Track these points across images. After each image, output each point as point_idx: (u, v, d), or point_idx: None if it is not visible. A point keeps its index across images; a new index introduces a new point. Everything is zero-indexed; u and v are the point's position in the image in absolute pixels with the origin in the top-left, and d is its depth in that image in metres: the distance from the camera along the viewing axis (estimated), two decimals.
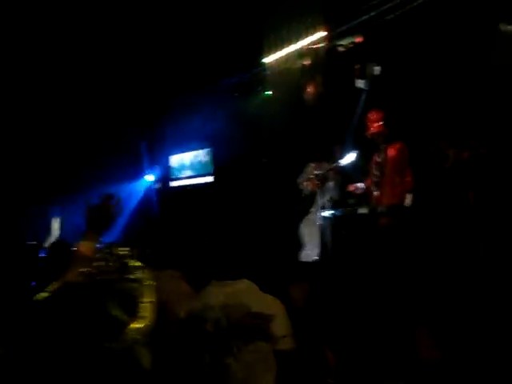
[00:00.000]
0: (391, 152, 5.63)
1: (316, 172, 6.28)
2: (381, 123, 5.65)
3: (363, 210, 5.50)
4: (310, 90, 7.12)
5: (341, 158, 5.96)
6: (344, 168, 5.98)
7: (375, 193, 5.73)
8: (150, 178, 10.10)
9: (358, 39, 6.59)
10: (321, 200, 6.24)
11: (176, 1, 6.98)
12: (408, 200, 5.44)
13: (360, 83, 6.10)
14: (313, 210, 6.34)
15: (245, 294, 2.40)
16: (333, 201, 6.17)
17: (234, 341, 2.15)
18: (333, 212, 5.76)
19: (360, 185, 5.91)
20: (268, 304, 2.46)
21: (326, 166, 6.25)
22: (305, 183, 6.41)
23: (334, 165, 6.05)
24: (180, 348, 2.20)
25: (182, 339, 2.23)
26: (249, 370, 2.05)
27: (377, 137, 5.70)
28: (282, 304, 2.55)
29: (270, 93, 7.96)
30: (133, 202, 9.56)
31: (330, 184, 6.34)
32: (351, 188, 5.96)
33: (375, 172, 5.77)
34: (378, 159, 5.75)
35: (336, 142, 6.29)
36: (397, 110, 5.66)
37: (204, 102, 8.32)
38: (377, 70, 6.06)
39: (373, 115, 5.70)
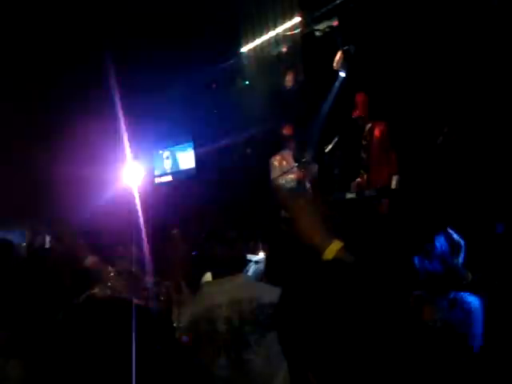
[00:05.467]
0: (376, 133, 5.57)
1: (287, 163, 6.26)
2: (366, 105, 5.60)
3: (351, 195, 5.43)
4: (289, 77, 7.02)
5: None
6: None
7: (363, 176, 5.68)
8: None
9: (335, 23, 6.52)
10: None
11: None
12: (394, 182, 5.39)
13: (340, 66, 6.02)
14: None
15: (247, 286, 2.30)
16: None
17: (250, 335, 2.08)
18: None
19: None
20: (273, 292, 2.37)
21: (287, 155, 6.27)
22: (287, 177, 6.25)
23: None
24: (190, 355, 2.10)
25: (193, 345, 2.12)
26: (269, 362, 1.98)
27: (362, 119, 5.65)
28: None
29: (248, 83, 7.87)
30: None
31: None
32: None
33: (362, 155, 5.72)
34: (364, 142, 5.69)
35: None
36: (378, 91, 5.61)
37: (183, 96, 8.19)
38: (351, 49, 5.99)
39: (358, 97, 5.65)
